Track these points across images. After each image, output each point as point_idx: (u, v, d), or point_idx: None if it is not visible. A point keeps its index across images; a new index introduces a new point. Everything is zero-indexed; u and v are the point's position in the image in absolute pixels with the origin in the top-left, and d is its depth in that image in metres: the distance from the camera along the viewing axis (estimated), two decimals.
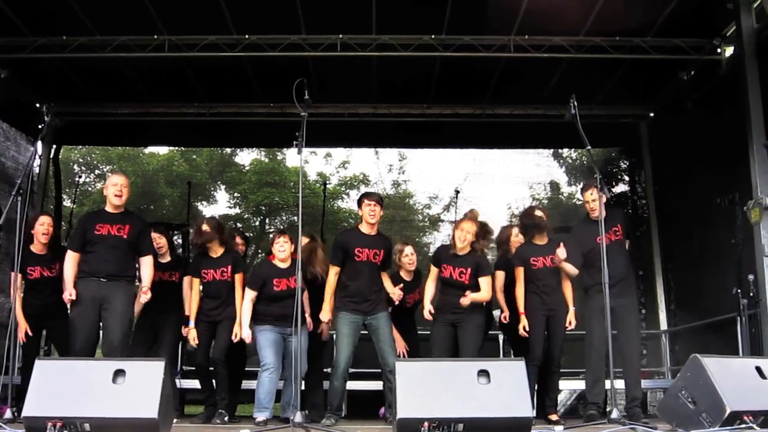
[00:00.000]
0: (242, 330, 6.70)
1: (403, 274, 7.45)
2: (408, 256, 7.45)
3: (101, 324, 6.41)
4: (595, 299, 6.35)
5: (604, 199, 6.28)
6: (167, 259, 7.44)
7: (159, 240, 7.40)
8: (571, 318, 6.82)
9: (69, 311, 6.48)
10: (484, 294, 6.63)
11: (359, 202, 6.85)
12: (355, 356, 6.74)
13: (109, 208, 6.62)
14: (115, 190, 6.54)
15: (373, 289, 6.66)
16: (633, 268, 6.86)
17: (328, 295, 6.63)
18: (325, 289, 6.65)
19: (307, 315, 6.79)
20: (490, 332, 7.56)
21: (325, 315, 6.62)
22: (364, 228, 6.73)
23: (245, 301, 6.79)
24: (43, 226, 6.97)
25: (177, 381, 7.92)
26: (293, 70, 7.20)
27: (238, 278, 6.98)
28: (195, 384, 7.67)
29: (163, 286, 7.21)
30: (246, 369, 7.82)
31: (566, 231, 7.87)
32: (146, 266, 6.61)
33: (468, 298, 6.53)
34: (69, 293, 6.33)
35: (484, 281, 6.65)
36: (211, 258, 7.07)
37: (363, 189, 17.44)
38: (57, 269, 6.81)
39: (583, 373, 7.06)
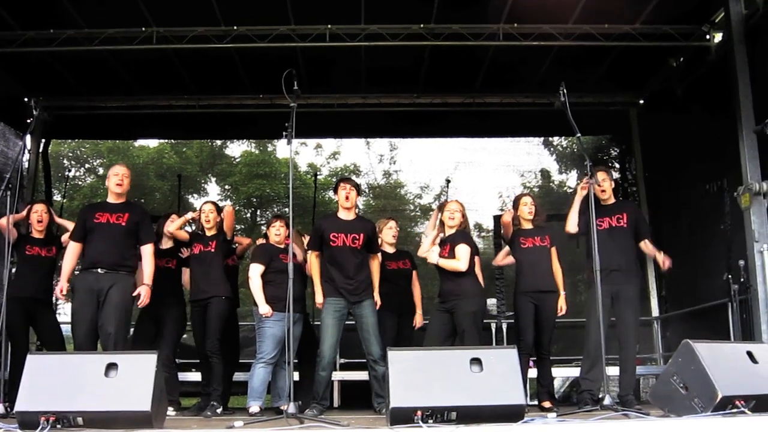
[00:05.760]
0: (261, 307, 6.83)
1: (386, 248, 7.63)
2: (392, 229, 7.68)
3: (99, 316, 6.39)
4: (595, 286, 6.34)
5: (608, 184, 6.69)
6: (169, 245, 7.48)
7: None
8: (561, 303, 6.86)
9: (71, 304, 6.52)
10: (453, 262, 6.74)
11: (335, 188, 6.94)
12: (349, 346, 6.74)
13: (110, 198, 6.67)
14: (116, 179, 6.62)
15: (355, 275, 6.66)
16: (637, 259, 6.82)
17: (315, 278, 6.74)
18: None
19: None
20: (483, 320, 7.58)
21: (318, 297, 6.68)
22: (342, 213, 6.81)
23: (255, 279, 6.96)
24: (36, 213, 7.22)
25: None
26: (282, 61, 7.19)
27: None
28: (187, 376, 7.67)
29: (162, 274, 7.25)
30: (239, 361, 7.83)
31: (557, 219, 7.91)
32: (147, 257, 6.60)
33: (433, 255, 6.75)
34: (60, 288, 6.38)
35: (457, 249, 6.75)
36: (204, 235, 7.25)
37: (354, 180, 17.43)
38: (54, 252, 7.06)
39: (576, 361, 7.07)
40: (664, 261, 6.74)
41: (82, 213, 6.81)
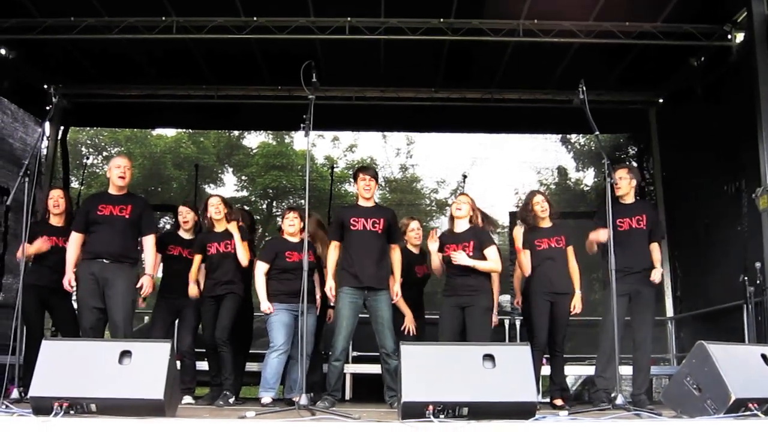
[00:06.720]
0: (262, 303, 6.83)
1: (410, 248, 7.57)
2: (414, 230, 7.62)
3: (105, 305, 6.42)
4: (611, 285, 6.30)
5: (626, 182, 6.69)
6: (191, 236, 7.49)
7: (186, 215, 7.56)
8: (576, 302, 6.83)
9: (75, 293, 6.53)
10: (491, 264, 6.64)
11: (355, 177, 6.92)
12: (361, 339, 6.71)
13: (112, 190, 6.66)
14: (119, 171, 6.59)
15: (376, 260, 6.62)
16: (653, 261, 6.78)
17: (330, 267, 6.68)
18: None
19: (317, 294, 6.96)
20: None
21: (329, 283, 6.62)
22: (361, 201, 6.81)
23: (259, 278, 6.93)
24: (52, 199, 7.21)
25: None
26: (301, 53, 7.19)
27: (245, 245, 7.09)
28: (201, 366, 7.70)
29: (182, 264, 7.27)
30: (251, 351, 7.84)
31: (572, 216, 7.88)
32: (149, 247, 6.63)
33: (463, 256, 6.58)
34: (68, 280, 6.43)
35: (490, 251, 6.66)
36: (215, 232, 7.17)
37: None
38: None
39: (589, 359, 7.04)
40: (655, 273, 6.69)
41: (84, 204, 6.84)
